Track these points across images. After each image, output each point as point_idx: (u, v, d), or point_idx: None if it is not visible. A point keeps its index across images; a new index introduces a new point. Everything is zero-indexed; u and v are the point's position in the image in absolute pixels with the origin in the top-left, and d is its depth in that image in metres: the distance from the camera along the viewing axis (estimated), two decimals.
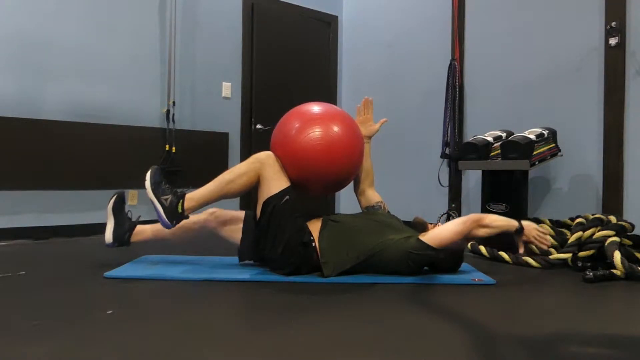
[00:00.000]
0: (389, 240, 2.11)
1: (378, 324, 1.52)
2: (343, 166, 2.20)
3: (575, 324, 1.57)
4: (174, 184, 2.45)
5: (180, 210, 2.05)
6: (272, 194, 2.09)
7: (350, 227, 2.17)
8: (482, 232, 2.08)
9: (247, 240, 2.25)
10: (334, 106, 2.36)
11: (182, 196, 2.07)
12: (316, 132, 2.12)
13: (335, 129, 2.16)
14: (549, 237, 2.17)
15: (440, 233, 2.08)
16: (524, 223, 2.13)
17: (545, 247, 2.16)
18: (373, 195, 2.50)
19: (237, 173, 2.11)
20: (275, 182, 2.10)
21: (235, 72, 4.35)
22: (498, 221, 2.11)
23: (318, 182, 2.20)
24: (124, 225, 2.28)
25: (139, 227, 2.32)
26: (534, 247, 2.61)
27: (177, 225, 2.17)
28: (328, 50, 4.95)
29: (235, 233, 2.27)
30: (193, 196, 2.09)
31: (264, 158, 2.13)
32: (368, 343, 1.35)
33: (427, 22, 4.13)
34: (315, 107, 2.25)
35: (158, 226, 2.28)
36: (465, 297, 1.89)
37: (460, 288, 2.03)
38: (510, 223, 2.11)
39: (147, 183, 2.06)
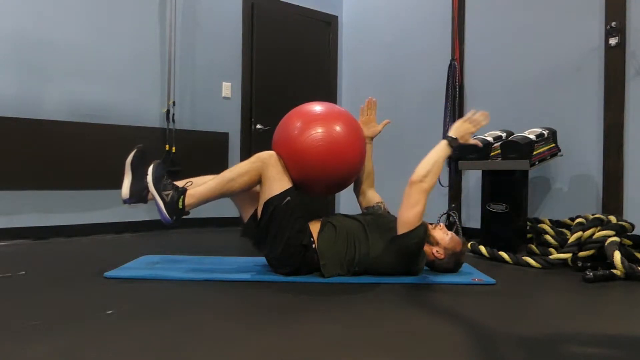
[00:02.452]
0: (385, 243, 2.11)
1: (378, 324, 1.52)
2: (345, 166, 2.19)
3: (575, 324, 1.57)
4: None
5: (180, 206, 2.05)
6: (273, 194, 2.08)
7: (348, 230, 2.17)
8: (429, 181, 2.05)
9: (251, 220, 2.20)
10: (336, 106, 2.36)
11: (183, 192, 2.07)
12: (318, 132, 2.12)
13: (338, 129, 2.15)
14: (479, 117, 2.14)
15: (401, 216, 2.05)
16: (452, 130, 2.13)
17: (483, 123, 2.14)
18: (373, 196, 2.50)
19: (238, 172, 2.10)
20: (277, 183, 2.09)
21: (235, 72, 4.35)
22: (428, 163, 2.08)
23: (319, 182, 2.20)
24: (143, 181, 2.08)
25: None
26: (533, 246, 2.61)
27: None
28: (328, 50, 4.95)
29: (245, 203, 2.22)
30: (194, 193, 2.09)
31: (266, 158, 2.12)
32: (368, 343, 1.35)
33: (427, 22, 4.13)
34: (318, 107, 2.25)
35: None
36: (465, 297, 1.89)
37: (460, 288, 2.03)
38: (439, 150, 2.10)
39: (149, 177, 2.05)
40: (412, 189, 2.04)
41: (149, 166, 2.08)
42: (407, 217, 2.03)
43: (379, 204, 2.47)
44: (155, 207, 2.05)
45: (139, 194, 2.08)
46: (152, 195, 2.04)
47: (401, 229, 2.05)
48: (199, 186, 2.12)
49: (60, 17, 3.47)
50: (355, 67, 4.91)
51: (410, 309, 1.72)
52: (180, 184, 2.13)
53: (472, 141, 2.18)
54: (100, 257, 2.50)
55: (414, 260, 2.13)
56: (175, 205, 2.03)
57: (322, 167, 2.13)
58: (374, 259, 2.12)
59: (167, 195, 2.03)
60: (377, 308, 1.71)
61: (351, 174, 2.27)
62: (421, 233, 2.07)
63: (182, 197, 2.05)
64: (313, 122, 2.15)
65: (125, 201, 2.08)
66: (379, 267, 2.14)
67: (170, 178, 2.12)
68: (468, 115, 2.15)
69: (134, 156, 2.10)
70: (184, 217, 2.11)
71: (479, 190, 3.19)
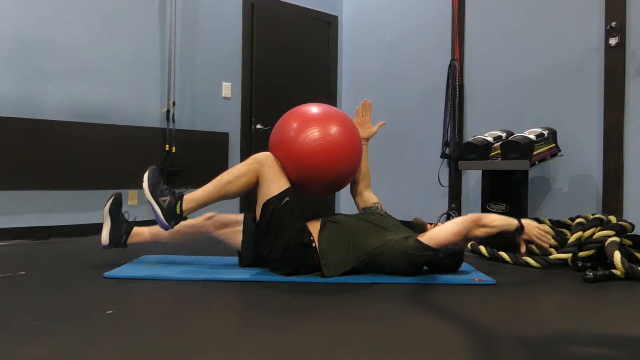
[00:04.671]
0: (389, 241, 2.11)
1: (378, 324, 1.52)
2: (342, 167, 2.19)
3: (576, 324, 1.57)
4: (174, 184, 2.46)
5: (178, 211, 2.04)
6: (272, 195, 2.08)
7: (349, 228, 2.17)
8: (480, 231, 2.05)
9: (247, 243, 2.23)
10: (333, 107, 2.36)
11: (181, 197, 2.07)
12: (315, 133, 2.12)
13: (334, 130, 2.15)
14: (549, 236, 2.13)
15: (439, 234, 2.07)
16: (525, 221, 2.10)
17: (546, 246, 2.11)
18: (370, 197, 2.51)
19: (235, 174, 2.10)
20: (275, 183, 2.09)
21: (235, 72, 4.35)
22: (497, 220, 2.08)
23: (317, 183, 2.20)
24: (121, 228, 2.27)
25: (136, 229, 2.31)
26: (534, 246, 2.61)
27: (174, 229, 2.17)
28: (328, 50, 4.95)
29: (234, 235, 2.26)
30: (192, 197, 2.09)
31: (263, 159, 2.12)
32: (368, 343, 1.35)
33: (427, 22, 4.13)
34: (314, 108, 2.25)
35: (156, 228, 2.27)
36: (465, 297, 1.89)
37: (460, 288, 2.03)
38: (509, 222, 2.09)
39: (145, 184, 2.05)
40: (467, 224, 2.05)
41: (145, 172, 2.10)
42: (440, 236, 2.06)
43: (376, 205, 2.47)
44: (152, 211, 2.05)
45: (117, 240, 2.26)
46: (149, 202, 2.04)
47: (426, 237, 2.07)
48: (196, 191, 2.12)
49: (60, 17, 3.48)
50: (355, 67, 4.91)
51: (410, 308, 1.72)
52: None
53: (525, 248, 2.13)
54: (100, 257, 2.50)
55: (416, 267, 2.15)
56: (172, 210, 2.03)
57: (320, 167, 2.13)
58: (374, 259, 2.12)
59: (164, 201, 2.03)
60: (376, 308, 1.71)
61: (349, 174, 2.27)
62: (432, 257, 2.11)
63: (179, 202, 2.05)
64: (309, 123, 2.15)
65: (104, 247, 2.25)
66: (379, 267, 2.14)
67: (168, 183, 2.13)
68: (542, 228, 2.11)
69: (112, 204, 2.27)
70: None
71: (479, 190, 3.19)
